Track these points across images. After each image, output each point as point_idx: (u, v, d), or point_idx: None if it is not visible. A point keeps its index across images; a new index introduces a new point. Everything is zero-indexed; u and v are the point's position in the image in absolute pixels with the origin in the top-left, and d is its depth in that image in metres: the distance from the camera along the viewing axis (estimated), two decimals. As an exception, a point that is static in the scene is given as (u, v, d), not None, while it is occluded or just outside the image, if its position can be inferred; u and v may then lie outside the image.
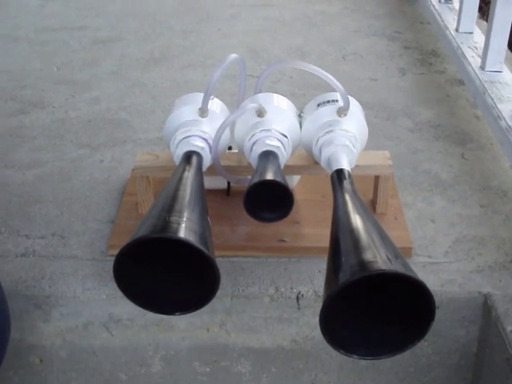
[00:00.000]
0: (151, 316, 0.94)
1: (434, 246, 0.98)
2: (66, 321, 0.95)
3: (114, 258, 0.73)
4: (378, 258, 0.67)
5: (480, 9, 1.53)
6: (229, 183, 1.05)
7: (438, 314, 0.69)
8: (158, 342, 0.97)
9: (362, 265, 0.66)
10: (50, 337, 0.97)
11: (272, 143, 0.89)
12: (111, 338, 0.96)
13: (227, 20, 1.84)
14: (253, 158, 0.90)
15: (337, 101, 0.93)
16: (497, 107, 1.19)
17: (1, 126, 1.33)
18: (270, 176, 0.82)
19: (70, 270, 0.95)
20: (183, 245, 0.72)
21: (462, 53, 1.42)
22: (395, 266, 0.66)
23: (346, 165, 0.86)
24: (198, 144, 0.91)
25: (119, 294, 0.76)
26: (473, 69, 1.34)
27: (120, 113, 1.37)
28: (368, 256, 0.67)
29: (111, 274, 0.75)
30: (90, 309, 0.94)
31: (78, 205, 1.09)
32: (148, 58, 1.62)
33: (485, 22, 1.61)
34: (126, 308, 0.93)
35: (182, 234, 0.72)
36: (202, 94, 0.94)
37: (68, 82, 1.51)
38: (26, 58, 1.63)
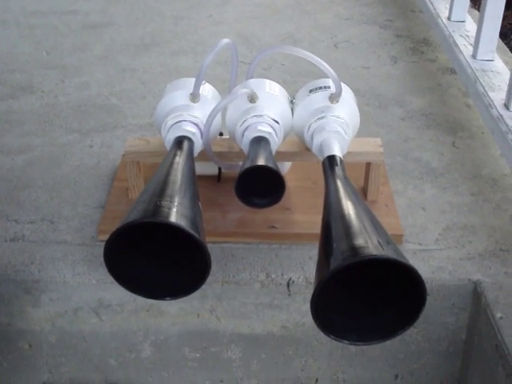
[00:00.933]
0: (141, 301, 0.93)
1: (424, 233, 0.98)
2: (55, 306, 0.95)
3: (104, 243, 0.73)
4: (370, 244, 0.67)
5: (472, -2, 1.54)
6: (220, 169, 1.04)
7: (428, 300, 0.69)
8: (148, 328, 0.97)
9: (354, 250, 0.66)
10: (39, 322, 0.96)
11: (264, 129, 0.89)
12: (101, 323, 0.96)
13: (218, 6, 1.83)
14: (244, 144, 0.90)
15: (329, 87, 0.93)
16: (488, 96, 1.19)
17: (-11, 111, 1.32)
18: (261, 161, 0.81)
19: (60, 255, 0.95)
20: (174, 229, 0.72)
21: (454, 41, 1.41)
22: (386, 252, 0.66)
23: (337, 151, 0.86)
24: (190, 129, 0.90)
25: (109, 279, 0.76)
26: (464, 57, 1.34)
27: (110, 98, 1.36)
28: (359, 241, 0.67)
29: (101, 259, 0.74)
30: (80, 294, 0.94)
31: (67, 190, 1.08)
32: (138, 44, 1.61)
33: (477, 11, 1.61)
34: (116, 293, 0.93)
35: (173, 218, 0.72)
36: (193, 79, 0.94)
37: (57, 66, 1.49)
38: (15, 42, 1.62)
